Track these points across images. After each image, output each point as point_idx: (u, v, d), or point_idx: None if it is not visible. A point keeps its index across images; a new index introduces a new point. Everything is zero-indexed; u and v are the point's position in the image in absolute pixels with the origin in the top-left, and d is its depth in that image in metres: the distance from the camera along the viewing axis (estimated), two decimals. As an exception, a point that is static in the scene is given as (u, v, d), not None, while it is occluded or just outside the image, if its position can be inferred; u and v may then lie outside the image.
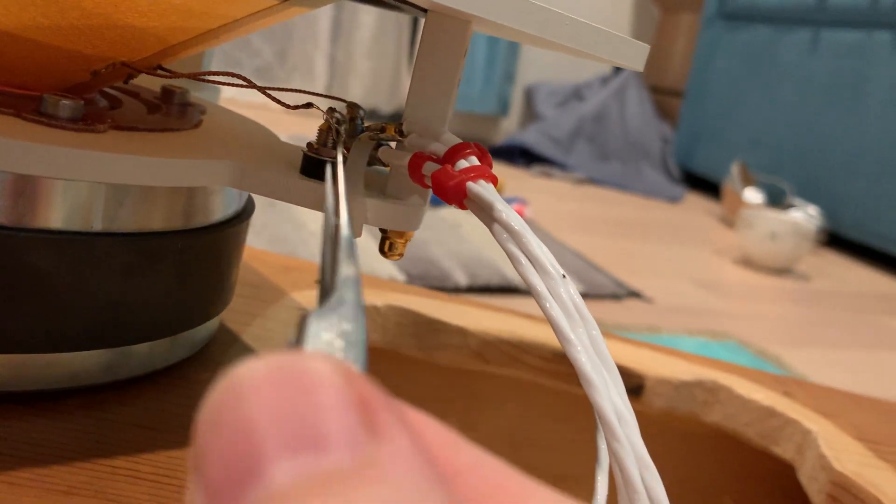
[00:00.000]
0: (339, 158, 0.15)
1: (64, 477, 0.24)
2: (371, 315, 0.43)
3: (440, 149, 0.26)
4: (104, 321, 0.27)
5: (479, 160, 0.26)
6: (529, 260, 0.23)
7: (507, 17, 0.24)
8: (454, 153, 0.26)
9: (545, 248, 0.23)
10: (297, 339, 0.11)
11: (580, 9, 2.73)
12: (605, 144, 2.66)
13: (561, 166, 2.43)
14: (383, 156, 0.29)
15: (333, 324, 0.11)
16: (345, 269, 0.12)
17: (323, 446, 0.09)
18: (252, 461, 0.09)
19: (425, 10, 0.28)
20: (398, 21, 2.60)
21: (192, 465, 0.09)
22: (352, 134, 0.31)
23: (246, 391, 0.09)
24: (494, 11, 0.24)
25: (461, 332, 0.43)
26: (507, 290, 1.16)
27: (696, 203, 2.41)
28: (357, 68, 2.61)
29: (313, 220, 1.31)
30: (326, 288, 0.12)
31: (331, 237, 0.13)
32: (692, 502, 0.46)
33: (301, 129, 1.94)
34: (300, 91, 0.32)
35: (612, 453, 0.20)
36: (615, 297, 1.25)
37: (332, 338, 0.11)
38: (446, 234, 1.36)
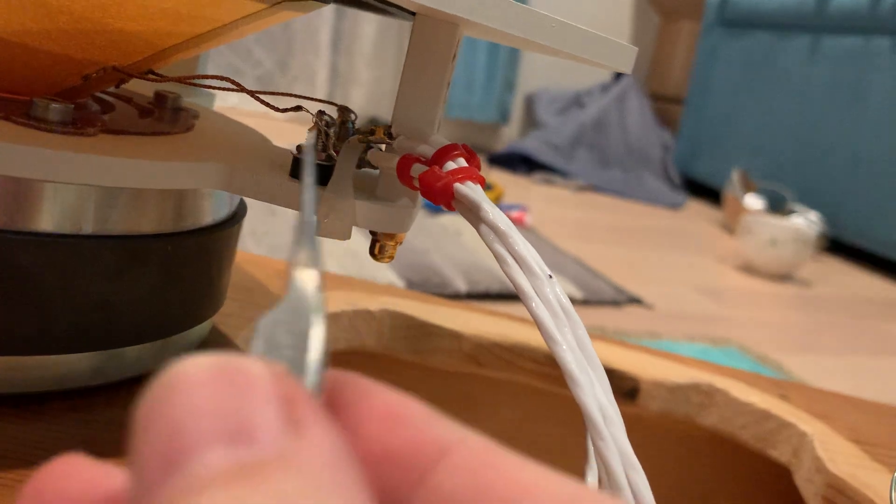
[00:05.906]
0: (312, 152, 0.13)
1: (52, 479, 0.24)
2: (365, 319, 0.43)
3: (428, 151, 0.26)
4: (93, 323, 0.27)
5: (467, 161, 0.26)
6: (516, 260, 0.23)
7: (494, 20, 0.24)
8: (442, 155, 0.26)
9: (531, 249, 0.23)
10: (251, 346, 0.11)
11: (580, 16, 2.74)
12: (606, 151, 2.66)
13: (562, 173, 2.43)
14: (372, 158, 0.29)
15: (284, 331, 0.11)
16: (302, 261, 0.11)
17: (249, 439, 0.10)
18: (181, 450, 0.09)
19: (413, 14, 0.28)
20: (400, 30, 2.60)
21: (129, 456, 0.10)
22: (342, 137, 0.31)
23: (183, 386, 0.10)
24: (480, 13, 0.24)
25: (455, 335, 0.43)
26: (507, 296, 1.16)
27: (696, 210, 2.40)
28: (358, 77, 2.62)
29: (313, 228, 1.31)
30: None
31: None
32: (688, 506, 0.46)
33: (300, 138, 1.94)
34: (291, 95, 0.32)
35: (597, 451, 0.20)
36: (615, 303, 1.25)
37: (282, 340, 0.11)
38: (446, 241, 1.36)
